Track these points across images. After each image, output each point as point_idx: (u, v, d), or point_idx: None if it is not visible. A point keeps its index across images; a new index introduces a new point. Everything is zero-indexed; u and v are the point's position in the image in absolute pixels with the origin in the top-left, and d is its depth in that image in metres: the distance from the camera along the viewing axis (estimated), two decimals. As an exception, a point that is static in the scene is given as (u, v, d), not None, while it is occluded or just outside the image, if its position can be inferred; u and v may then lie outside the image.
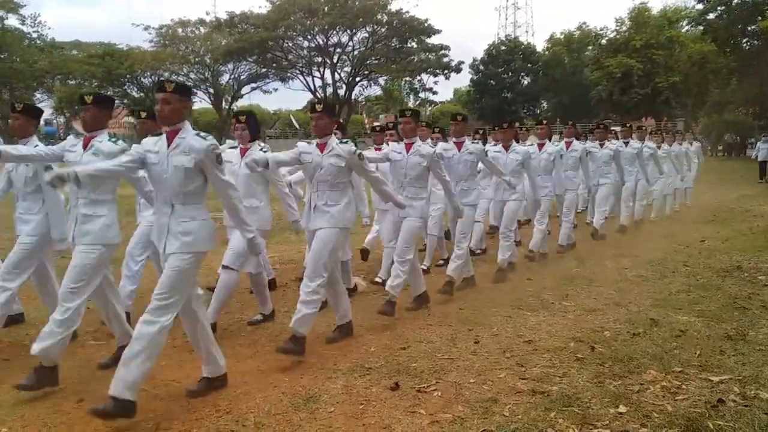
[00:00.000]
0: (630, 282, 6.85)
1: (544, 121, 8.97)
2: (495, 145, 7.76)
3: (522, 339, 4.94)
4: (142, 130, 5.24)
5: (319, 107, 4.80)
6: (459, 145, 6.58)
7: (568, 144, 8.69)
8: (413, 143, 5.76)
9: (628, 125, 10.68)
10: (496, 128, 8.14)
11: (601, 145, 9.55)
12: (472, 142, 6.67)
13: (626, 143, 10.03)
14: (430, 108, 60.29)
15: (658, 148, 11.05)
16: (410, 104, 60.63)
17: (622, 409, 3.62)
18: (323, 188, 4.80)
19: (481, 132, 8.40)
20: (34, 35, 50.59)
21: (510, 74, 53.94)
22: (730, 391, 3.85)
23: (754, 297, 6.09)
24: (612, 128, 12.69)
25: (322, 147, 4.79)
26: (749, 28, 33.27)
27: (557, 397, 3.80)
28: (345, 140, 4.96)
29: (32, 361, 3.99)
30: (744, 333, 4.97)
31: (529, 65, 54.43)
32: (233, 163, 5.26)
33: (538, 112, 59.08)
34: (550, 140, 8.58)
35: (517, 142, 8.35)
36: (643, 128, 11.78)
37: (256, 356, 4.72)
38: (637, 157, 9.93)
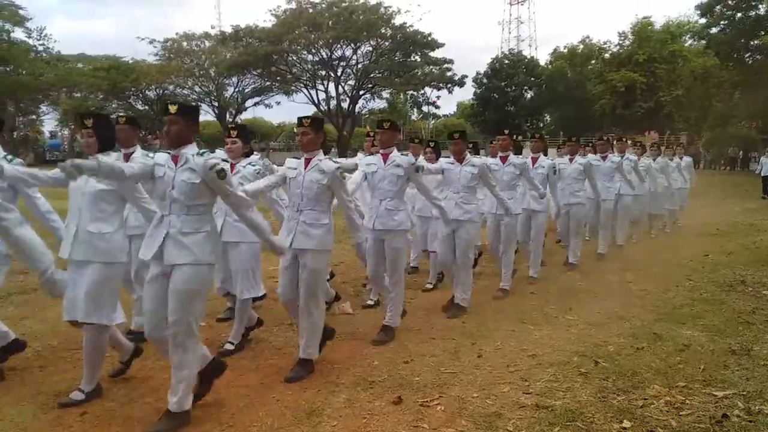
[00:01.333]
0: (633, 296, 6.84)
1: (537, 135, 8.58)
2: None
3: (525, 353, 4.94)
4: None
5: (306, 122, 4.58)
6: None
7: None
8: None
9: (604, 138, 10.31)
10: (492, 142, 8.00)
11: (603, 159, 9.41)
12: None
13: (604, 157, 9.41)
14: (433, 122, 60.40)
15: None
16: (414, 117, 60.79)
17: (626, 424, 3.61)
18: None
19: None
20: (40, 48, 50.89)
21: (513, 88, 54.00)
22: (734, 407, 3.83)
23: (758, 312, 6.07)
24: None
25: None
26: (752, 43, 33.37)
27: (561, 411, 3.79)
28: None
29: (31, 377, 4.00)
30: (748, 348, 4.96)
31: (532, 79, 54.48)
32: None
33: (542, 125, 59.12)
34: (545, 154, 8.33)
35: (519, 153, 8.21)
36: (624, 140, 10.47)
37: (258, 370, 4.71)
38: (617, 171, 9.32)
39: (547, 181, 7.87)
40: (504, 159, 7.18)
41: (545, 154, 8.33)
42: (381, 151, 5.52)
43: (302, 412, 3.87)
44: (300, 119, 4.60)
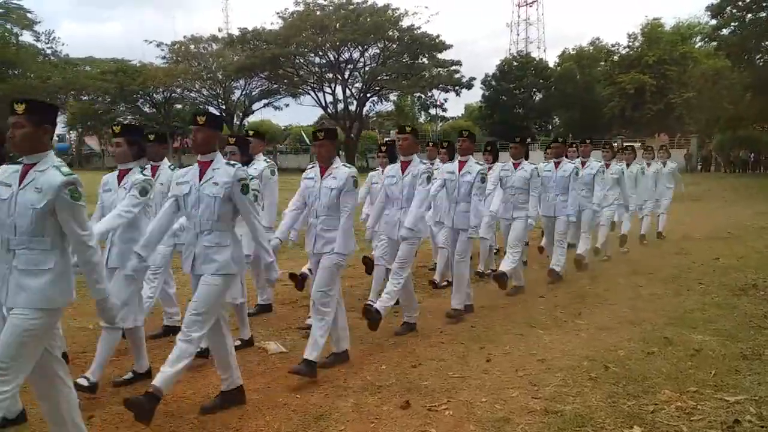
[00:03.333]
0: (644, 300, 6.79)
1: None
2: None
3: (534, 357, 4.90)
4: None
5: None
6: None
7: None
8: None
9: (560, 140, 8.66)
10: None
11: (607, 165, 9.07)
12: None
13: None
14: (441, 124, 60.37)
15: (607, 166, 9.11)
16: (421, 120, 60.74)
17: (636, 429, 3.58)
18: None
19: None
20: (48, 51, 51.41)
21: (522, 90, 53.92)
22: (746, 412, 3.79)
23: (770, 316, 6.01)
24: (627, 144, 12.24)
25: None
26: (763, 44, 33.16)
27: (570, 416, 3.75)
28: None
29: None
30: (760, 352, 4.90)
31: (541, 81, 54.40)
32: None
33: (550, 128, 58.97)
34: (526, 158, 7.68)
35: (527, 158, 7.90)
36: (587, 142, 8.84)
37: (266, 373, 4.70)
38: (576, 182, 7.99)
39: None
40: (517, 165, 7.30)
41: (526, 159, 7.56)
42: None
43: (309, 417, 3.85)
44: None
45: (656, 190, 11.06)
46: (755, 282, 7.47)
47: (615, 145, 10.73)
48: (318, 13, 45.18)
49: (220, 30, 55.58)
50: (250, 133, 6.18)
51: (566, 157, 8.29)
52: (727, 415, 3.74)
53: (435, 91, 49.87)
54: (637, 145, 40.61)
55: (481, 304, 6.60)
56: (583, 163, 8.39)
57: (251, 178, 4.62)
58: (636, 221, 10.76)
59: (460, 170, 6.25)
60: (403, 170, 5.60)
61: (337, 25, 43.91)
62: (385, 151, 7.27)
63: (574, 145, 8.98)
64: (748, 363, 4.68)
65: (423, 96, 52.78)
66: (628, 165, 9.86)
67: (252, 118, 56.53)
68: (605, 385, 4.28)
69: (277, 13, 46.76)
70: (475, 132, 47.06)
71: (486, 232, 7.07)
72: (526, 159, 7.44)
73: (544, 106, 55.23)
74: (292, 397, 4.18)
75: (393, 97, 52.81)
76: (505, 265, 6.95)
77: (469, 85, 47.56)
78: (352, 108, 48.61)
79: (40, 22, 48.20)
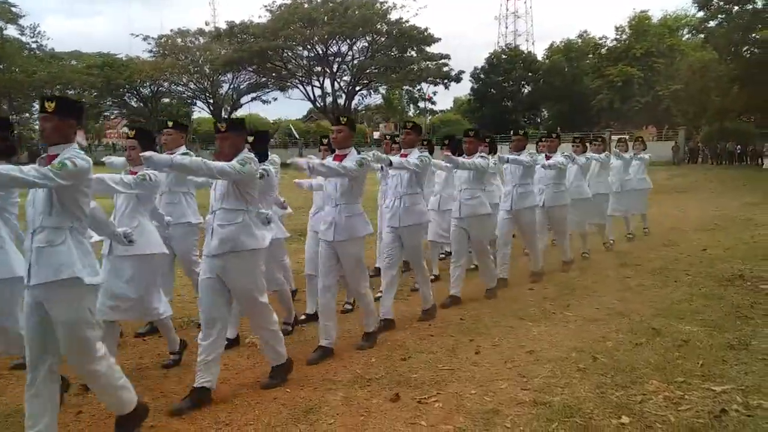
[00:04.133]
0: (632, 291, 6.82)
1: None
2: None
3: (523, 349, 4.92)
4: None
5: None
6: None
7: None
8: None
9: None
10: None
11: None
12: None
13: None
14: (429, 117, 60.38)
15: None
16: (410, 113, 60.70)
17: (624, 420, 3.59)
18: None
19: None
20: (34, 45, 50.91)
21: (510, 83, 54.01)
22: (732, 401, 3.82)
23: (757, 306, 6.05)
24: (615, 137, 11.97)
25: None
26: (750, 36, 33.31)
27: (559, 408, 3.77)
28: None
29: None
30: (746, 342, 4.94)
31: (529, 74, 54.50)
32: None
33: (539, 120, 59.11)
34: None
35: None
36: (522, 133, 7.60)
37: (255, 368, 4.69)
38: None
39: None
40: None
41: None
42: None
43: (299, 410, 3.85)
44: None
45: (628, 181, 10.18)
46: (742, 272, 7.52)
47: (603, 138, 10.45)
48: (306, 6, 45.04)
49: (207, 23, 55.31)
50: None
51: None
52: (714, 405, 3.77)
53: (424, 85, 49.87)
54: (626, 137, 40.68)
55: (470, 296, 6.61)
56: (548, 158, 7.77)
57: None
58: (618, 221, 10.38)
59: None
60: None
61: (325, 18, 43.80)
62: (327, 144, 6.28)
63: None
64: (735, 353, 4.71)
65: (412, 89, 52.76)
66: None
67: (240, 112, 56.28)
68: (593, 376, 4.30)
69: (265, 6, 46.71)
70: (464, 125, 47.10)
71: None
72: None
73: (532, 99, 55.37)
74: (281, 391, 4.17)
75: (382, 90, 52.76)
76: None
77: (457, 78, 47.64)
78: (341, 101, 48.50)
79: (24, 16, 47.84)
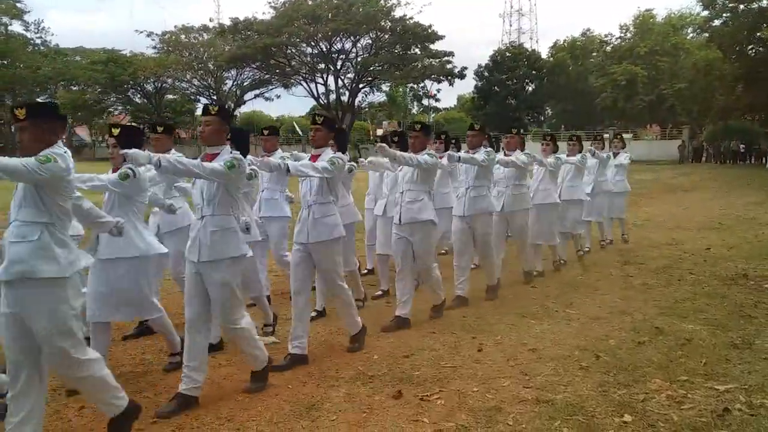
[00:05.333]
0: (635, 290, 6.81)
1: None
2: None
3: (526, 347, 4.91)
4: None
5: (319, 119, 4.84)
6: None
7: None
8: None
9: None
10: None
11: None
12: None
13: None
14: (433, 115, 60.32)
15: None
16: (414, 111, 60.64)
17: (627, 418, 3.59)
18: None
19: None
20: (38, 41, 50.99)
21: (514, 81, 53.84)
22: (736, 400, 3.81)
23: (760, 305, 6.04)
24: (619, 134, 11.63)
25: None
26: (755, 35, 33.22)
27: (562, 406, 3.77)
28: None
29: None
30: (750, 341, 4.93)
31: (533, 72, 54.32)
32: None
33: (542, 119, 59.00)
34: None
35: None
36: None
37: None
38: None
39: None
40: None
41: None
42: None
43: (301, 406, 3.85)
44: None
45: (603, 183, 9.21)
46: (746, 271, 7.51)
47: (606, 136, 10.12)
48: (310, 2, 44.94)
49: (211, 20, 55.26)
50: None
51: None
52: (717, 404, 3.76)
53: (427, 82, 49.79)
54: (628, 136, 40.53)
55: (473, 294, 6.60)
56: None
57: None
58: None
59: None
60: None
61: (329, 15, 43.69)
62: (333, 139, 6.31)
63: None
64: (739, 352, 4.71)
65: (415, 86, 52.68)
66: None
67: (244, 109, 56.32)
68: (596, 374, 4.29)
69: (269, 2, 46.38)
70: (468, 123, 47.05)
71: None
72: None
73: (536, 97, 55.19)
74: (283, 388, 4.17)
75: (385, 87, 52.69)
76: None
77: (461, 75, 47.48)
78: (345, 99, 48.45)
79: (29, 11, 47.93)
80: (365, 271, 7.81)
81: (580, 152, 8.29)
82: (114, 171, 4.32)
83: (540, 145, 7.88)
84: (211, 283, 3.86)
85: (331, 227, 4.75)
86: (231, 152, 3.89)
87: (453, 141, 7.60)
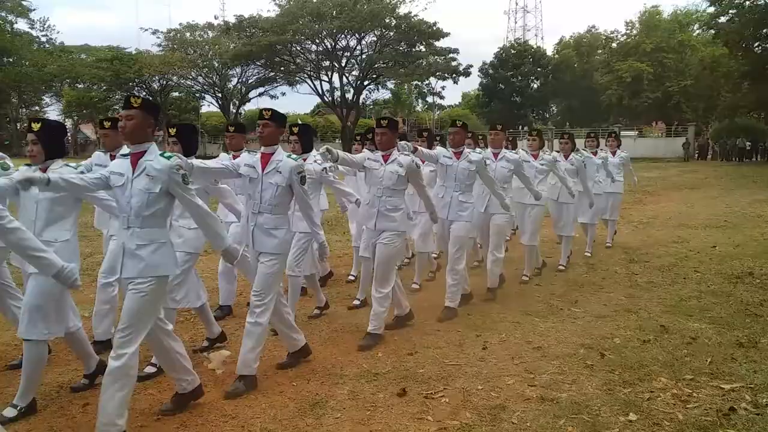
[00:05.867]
0: (640, 288, 6.79)
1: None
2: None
3: (531, 345, 4.90)
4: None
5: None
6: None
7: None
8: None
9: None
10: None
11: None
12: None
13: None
14: (438, 112, 60.23)
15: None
16: (418, 108, 60.53)
17: (632, 417, 3.58)
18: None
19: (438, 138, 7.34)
20: (43, 39, 51.14)
21: (519, 78, 53.74)
22: (741, 399, 3.80)
23: (766, 304, 6.02)
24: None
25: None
26: (761, 32, 33.06)
27: (566, 404, 3.76)
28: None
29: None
30: (756, 340, 4.91)
31: (538, 69, 54.21)
32: None
33: (547, 116, 58.87)
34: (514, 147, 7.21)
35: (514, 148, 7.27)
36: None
37: (261, 361, 4.67)
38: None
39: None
40: (496, 155, 6.65)
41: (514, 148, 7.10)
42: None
43: (306, 404, 3.85)
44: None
45: (597, 185, 8.67)
46: (752, 270, 7.48)
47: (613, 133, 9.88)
48: (314, 0, 44.89)
49: (216, 17, 55.30)
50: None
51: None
52: (723, 403, 3.75)
53: (432, 79, 49.71)
54: (633, 133, 40.34)
55: (477, 292, 6.59)
56: (495, 155, 6.72)
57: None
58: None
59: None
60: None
61: (334, 12, 43.64)
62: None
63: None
64: (744, 351, 4.69)
65: (420, 84, 52.60)
66: (566, 156, 7.85)
67: (248, 107, 56.27)
68: (601, 372, 4.28)
69: (273, 0, 46.40)
70: (473, 120, 46.91)
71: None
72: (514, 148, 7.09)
73: (541, 95, 55.10)
74: (288, 385, 4.17)
75: (390, 85, 52.62)
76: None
77: (466, 73, 47.37)
78: (349, 96, 48.43)
79: (35, 9, 48.06)
80: (352, 277, 7.34)
81: (573, 150, 7.99)
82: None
83: (558, 142, 7.98)
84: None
85: (281, 242, 4.25)
86: (159, 153, 3.47)
87: (437, 138, 7.54)
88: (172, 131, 4.53)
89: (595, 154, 8.69)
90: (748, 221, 11.98)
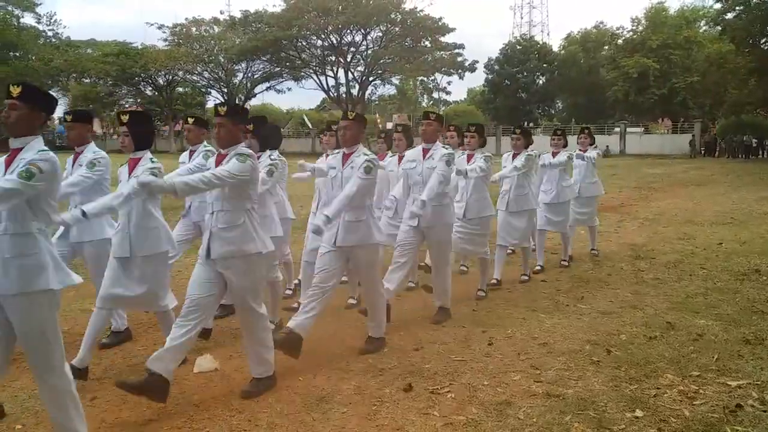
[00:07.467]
0: (646, 285, 6.78)
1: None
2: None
3: (537, 341, 4.90)
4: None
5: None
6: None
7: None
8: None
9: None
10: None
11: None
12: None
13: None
14: (443, 108, 60.18)
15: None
16: (424, 104, 60.51)
17: (638, 413, 3.58)
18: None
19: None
20: (50, 33, 51.27)
21: (525, 74, 53.62)
22: (748, 396, 3.79)
23: (773, 301, 6.01)
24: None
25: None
26: (768, 28, 32.95)
27: (573, 400, 3.76)
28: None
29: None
30: (762, 337, 4.90)
31: (544, 65, 54.10)
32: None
33: (553, 112, 58.75)
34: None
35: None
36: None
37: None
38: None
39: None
40: (470, 158, 6.16)
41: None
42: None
43: (312, 399, 3.86)
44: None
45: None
46: (758, 267, 7.46)
47: (617, 130, 9.72)
48: (320, -5, 44.93)
49: (221, 12, 55.34)
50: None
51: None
52: (729, 400, 3.74)
53: (437, 75, 49.70)
54: (639, 129, 40.21)
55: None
56: (469, 156, 6.21)
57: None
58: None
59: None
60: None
61: (340, 7, 43.69)
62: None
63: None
64: (751, 348, 4.68)
65: (426, 79, 52.58)
66: (515, 155, 6.84)
67: (254, 102, 56.37)
68: (607, 369, 4.28)
69: (279, -5, 46.47)
70: (478, 116, 46.76)
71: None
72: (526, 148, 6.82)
73: (547, 91, 54.98)
74: (294, 380, 4.18)
75: (395, 80, 52.64)
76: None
77: (472, 68, 47.39)
78: (355, 91, 48.43)
79: (41, 3, 48.18)
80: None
81: (565, 148, 7.63)
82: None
83: (550, 139, 7.79)
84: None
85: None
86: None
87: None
88: (250, 126, 4.78)
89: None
90: (754, 218, 11.94)
